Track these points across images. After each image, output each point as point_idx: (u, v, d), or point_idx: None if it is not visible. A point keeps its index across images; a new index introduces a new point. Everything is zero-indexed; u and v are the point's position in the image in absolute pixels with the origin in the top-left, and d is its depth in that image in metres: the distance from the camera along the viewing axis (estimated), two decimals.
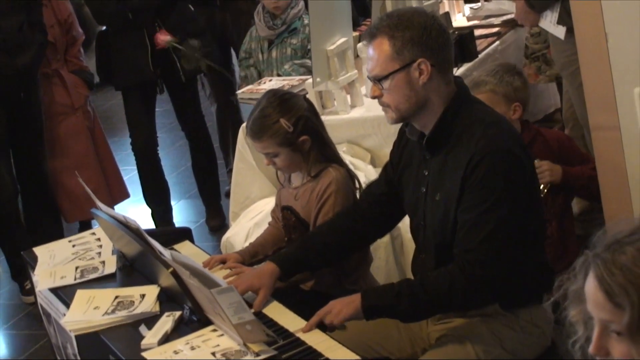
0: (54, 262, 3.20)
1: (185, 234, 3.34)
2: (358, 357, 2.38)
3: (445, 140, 2.56)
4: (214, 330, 2.54)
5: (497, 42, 4.84)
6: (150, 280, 2.85)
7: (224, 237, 3.99)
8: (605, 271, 1.47)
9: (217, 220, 5.55)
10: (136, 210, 5.76)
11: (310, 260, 2.85)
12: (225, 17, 5.72)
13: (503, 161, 2.46)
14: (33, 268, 3.22)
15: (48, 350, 3.72)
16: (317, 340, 2.45)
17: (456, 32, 4.27)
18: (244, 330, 2.39)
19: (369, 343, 2.71)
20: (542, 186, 3.38)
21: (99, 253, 3.21)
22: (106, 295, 2.82)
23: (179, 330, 2.58)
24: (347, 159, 3.57)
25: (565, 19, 3.78)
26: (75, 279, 3.02)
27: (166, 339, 2.53)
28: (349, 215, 2.90)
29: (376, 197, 2.87)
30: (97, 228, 3.42)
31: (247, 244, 3.34)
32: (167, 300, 2.75)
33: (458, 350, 2.58)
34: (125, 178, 5.72)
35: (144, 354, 2.49)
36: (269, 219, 3.35)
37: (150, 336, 2.54)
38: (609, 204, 3.27)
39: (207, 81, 5.88)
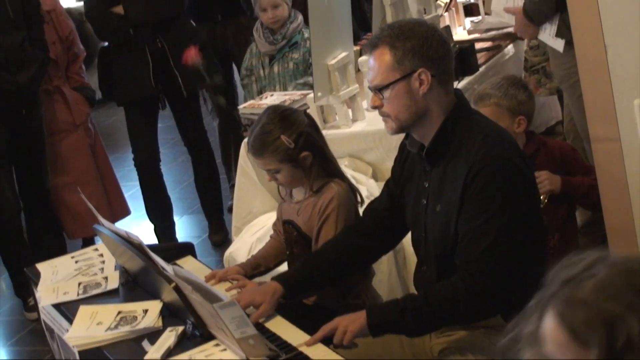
0: (56, 278, 3.20)
1: (187, 249, 3.33)
2: None
3: (445, 150, 2.57)
4: (217, 344, 2.53)
5: (498, 55, 4.85)
6: (153, 295, 2.85)
7: (227, 252, 3.98)
8: (565, 309, 1.33)
9: (219, 235, 5.55)
10: (138, 226, 5.75)
11: (315, 278, 2.83)
12: (226, 32, 5.73)
13: (503, 171, 2.46)
14: (36, 284, 3.22)
15: None
16: (319, 354, 2.45)
17: (457, 46, 4.27)
18: (246, 345, 2.39)
19: (372, 357, 2.70)
20: (542, 196, 3.37)
21: (102, 269, 3.21)
22: (109, 311, 2.82)
23: (182, 345, 2.57)
24: (348, 173, 3.57)
25: (564, 31, 3.79)
26: (78, 295, 3.02)
27: (169, 354, 2.53)
28: (352, 233, 2.90)
29: (379, 213, 2.88)
30: (99, 244, 3.42)
31: None
32: (169, 315, 2.74)
33: None
34: (127, 194, 5.73)
35: None
36: (271, 233, 3.35)
37: (153, 351, 2.54)
38: (610, 216, 3.26)
39: (209, 96, 5.89)
